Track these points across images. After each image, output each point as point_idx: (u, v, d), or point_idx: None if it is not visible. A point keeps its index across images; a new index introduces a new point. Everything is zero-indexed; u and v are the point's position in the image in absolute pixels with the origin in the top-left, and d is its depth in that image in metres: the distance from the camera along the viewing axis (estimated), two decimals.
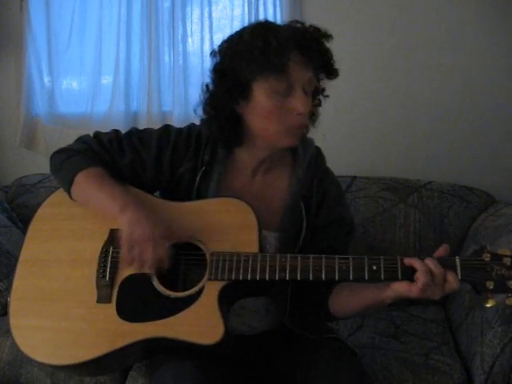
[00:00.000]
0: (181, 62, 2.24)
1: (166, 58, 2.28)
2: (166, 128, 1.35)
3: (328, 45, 1.22)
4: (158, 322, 1.18)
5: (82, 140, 1.36)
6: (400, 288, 1.11)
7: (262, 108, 1.21)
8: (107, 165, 1.31)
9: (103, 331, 1.21)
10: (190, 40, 2.25)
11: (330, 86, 2.25)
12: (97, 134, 1.36)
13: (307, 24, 1.24)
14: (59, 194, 1.35)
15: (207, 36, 2.24)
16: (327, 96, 1.33)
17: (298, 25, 1.22)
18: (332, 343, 1.29)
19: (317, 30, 1.22)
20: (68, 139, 2.29)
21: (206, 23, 2.23)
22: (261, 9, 2.16)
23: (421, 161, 2.17)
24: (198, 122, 1.35)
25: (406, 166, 2.16)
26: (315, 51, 1.19)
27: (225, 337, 1.14)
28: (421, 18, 2.11)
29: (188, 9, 2.24)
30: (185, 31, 2.24)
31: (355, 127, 2.20)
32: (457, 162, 2.14)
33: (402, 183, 1.98)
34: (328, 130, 2.20)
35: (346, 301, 1.26)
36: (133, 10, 2.27)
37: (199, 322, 1.16)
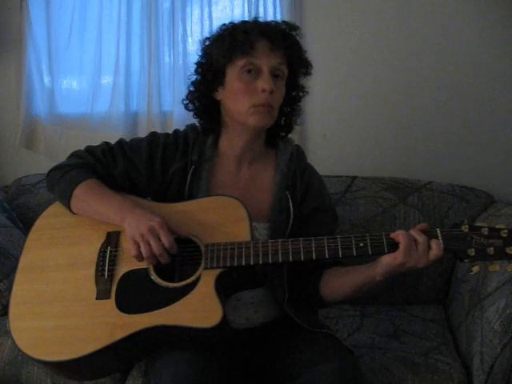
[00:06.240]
0: (181, 62, 2.23)
1: (166, 58, 2.27)
2: (154, 134, 1.44)
3: (299, 39, 1.36)
4: (157, 311, 1.21)
5: (75, 155, 1.43)
6: (386, 259, 1.17)
7: (234, 90, 1.33)
8: (102, 176, 1.38)
9: (103, 324, 1.23)
10: (190, 40, 2.24)
11: (330, 85, 2.26)
12: (88, 148, 1.43)
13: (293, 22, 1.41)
14: (55, 206, 1.40)
15: None
16: (306, 92, 1.44)
17: (272, 23, 1.37)
18: (327, 339, 1.32)
19: (285, 23, 1.37)
20: (68, 139, 2.32)
21: (206, 23, 2.23)
22: (261, 9, 2.16)
23: (421, 161, 2.17)
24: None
25: (405, 166, 2.16)
26: (281, 40, 1.31)
27: (223, 320, 1.16)
28: (420, 18, 2.11)
29: (188, 9, 2.24)
30: (185, 31, 2.24)
31: (355, 127, 2.20)
32: (457, 162, 2.14)
33: (401, 183, 1.99)
34: (328, 130, 2.22)
35: (338, 284, 1.32)
36: (133, 10, 2.26)
37: (198, 308, 1.19)
